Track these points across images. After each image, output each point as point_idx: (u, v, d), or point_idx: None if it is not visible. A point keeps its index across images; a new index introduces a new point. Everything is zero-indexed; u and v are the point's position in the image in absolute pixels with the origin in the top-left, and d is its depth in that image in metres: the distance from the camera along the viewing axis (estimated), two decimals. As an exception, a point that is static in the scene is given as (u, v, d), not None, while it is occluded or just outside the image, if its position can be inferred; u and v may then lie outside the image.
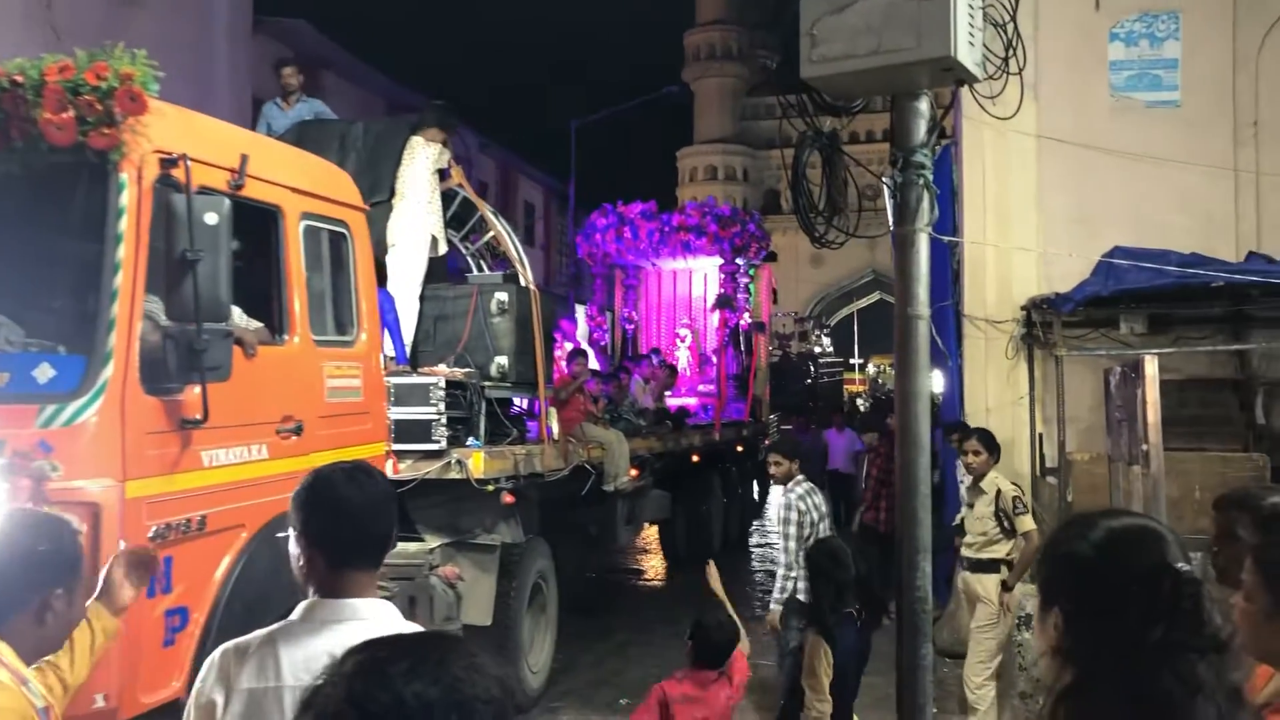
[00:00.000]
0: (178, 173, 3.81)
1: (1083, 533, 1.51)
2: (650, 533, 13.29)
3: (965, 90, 4.32)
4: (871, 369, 53.52)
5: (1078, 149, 8.84)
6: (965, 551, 6.24)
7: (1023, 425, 8.84)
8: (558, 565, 7.75)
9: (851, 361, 47.73)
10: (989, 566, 6.10)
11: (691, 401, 14.04)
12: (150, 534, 3.70)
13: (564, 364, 8.91)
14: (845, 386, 40.40)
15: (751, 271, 14.62)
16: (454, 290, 7.33)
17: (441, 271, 7.59)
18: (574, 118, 27.59)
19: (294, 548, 2.02)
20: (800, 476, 6.32)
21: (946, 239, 8.23)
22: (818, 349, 34.97)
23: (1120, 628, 1.42)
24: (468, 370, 6.71)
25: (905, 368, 4.41)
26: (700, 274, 15.17)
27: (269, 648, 1.91)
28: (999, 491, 6.08)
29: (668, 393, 12.93)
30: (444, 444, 6.10)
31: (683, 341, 14.87)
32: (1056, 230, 8.94)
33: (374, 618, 1.94)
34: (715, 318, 14.12)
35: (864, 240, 4.84)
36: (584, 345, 11.72)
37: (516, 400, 7.96)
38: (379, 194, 6.83)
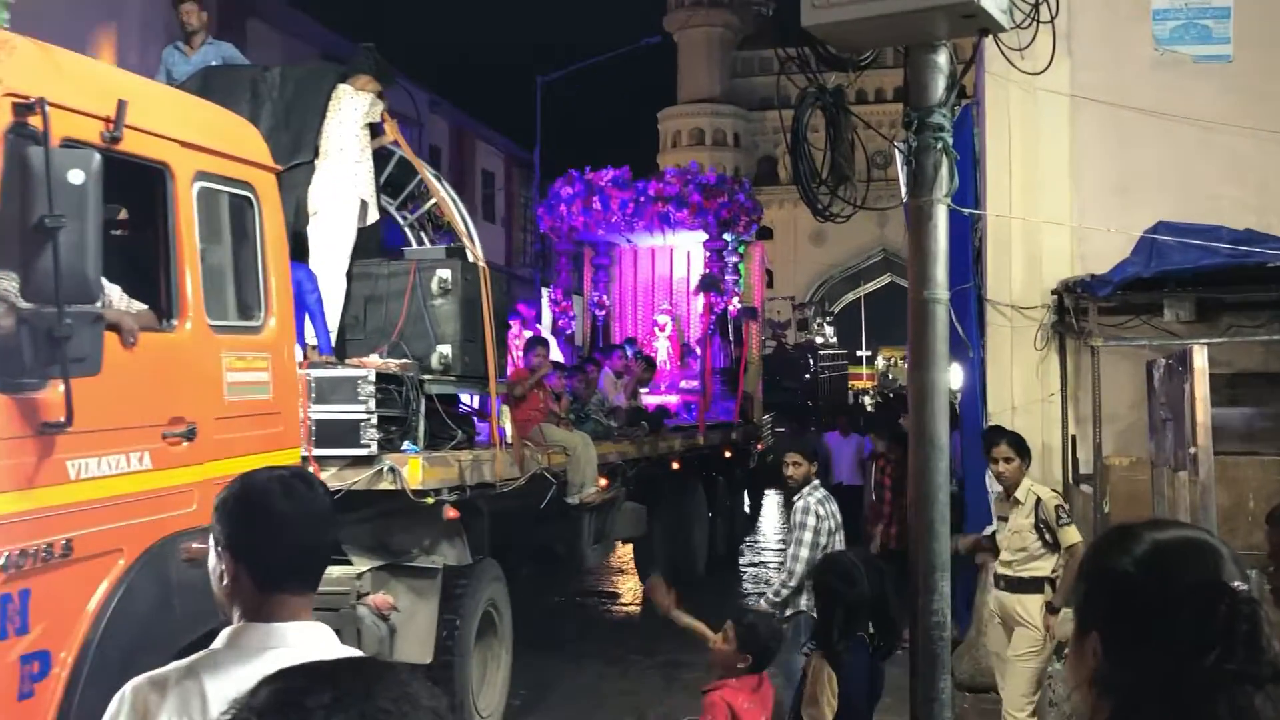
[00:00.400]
0: (35, 121, 3.58)
1: (1125, 546, 1.51)
2: (625, 552, 13.20)
3: (989, 41, 4.42)
4: (881, 362, 53.88)
5: (1116, 110, 8.84)
6: (1001, 569, 6.29)
7: (1054, 426, 8.84)
8: (514, 591, 7.68)
9: (858, 354, 48.06)
10: (1030, 586, 6.15)
11: (672, 400, 14.07)
12: None
13: (520, 355, 8.75)
14: (850, 382, 40.74)
15: (741, 249, 14.60)
16: (388, 267, 7.20)
17: (374, 245, 7.46)
18: (540, 73, 27.37)
19: (215, 562, 2.02)
20: (817, 481, 6.58)
21: (967, 211, 7.90)
22: (819, 339, 35.07)
23: (1167, 655, 1.42)
24: (404, 361, 6.58)
25: (921, 360, 4.45)
26: (682, 252, 15.16)
27: (191, 680, 1.91)
28: (1039, 500, 6.13)
29: (644, 389, 12.90)
30: (374, 448, 5.99)
31: (662, 330, 14.88)
32: (1092, 202, 8.96)
33: (307, 644, 1.93)
34: (699, 302, 14.03)
35: (873, 214, 4.92)
36: (545, 333, 11.55)
37: (464, 398, 7.79)
38: (300, 153, 6.77)
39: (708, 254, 14.25)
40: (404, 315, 6.91)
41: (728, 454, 13.75)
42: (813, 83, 4.66)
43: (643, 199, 13.57)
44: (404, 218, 7.94)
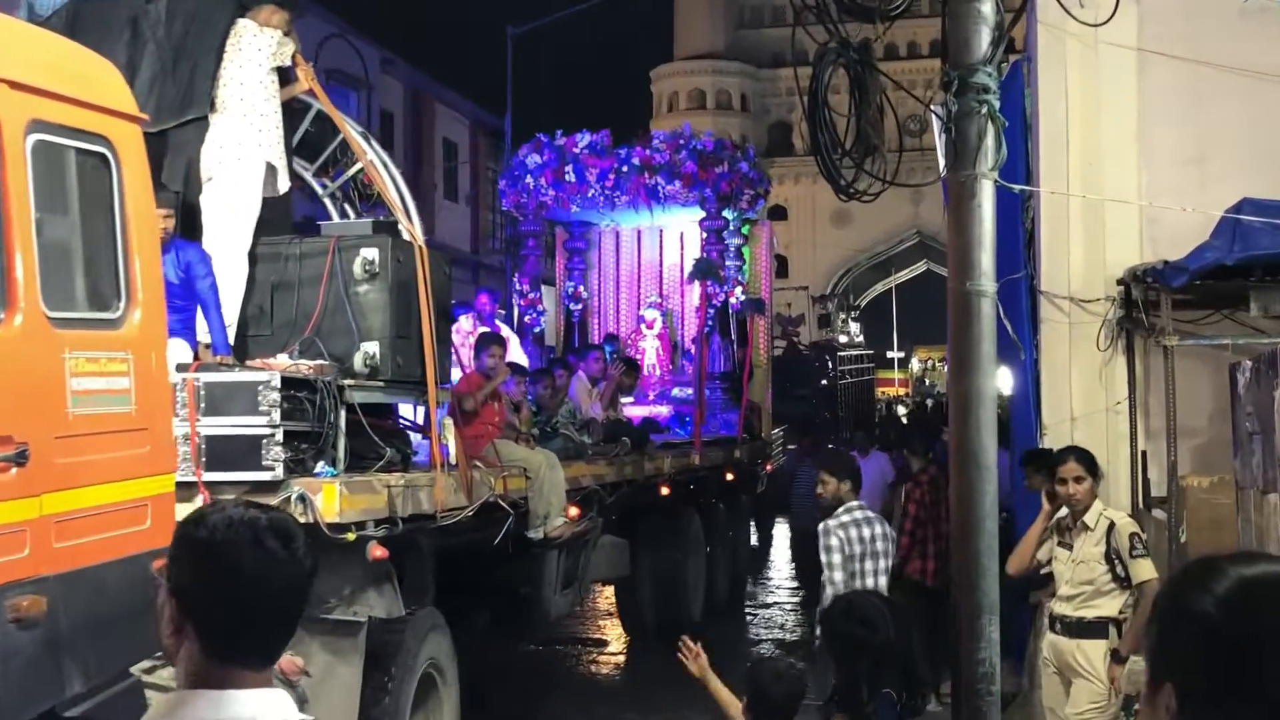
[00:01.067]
0: None
1: (1205, 583, 1.54)
2: (611, 591, 13.01)
3: (1043, -14, 4.90)
4: (916, 365, 54.01)
5: (1193, 67, 8.86)
6: (1058, 609, 6.31)
7: (1120, 440, 8.86)
8: (473, 642, 7.61)
9: (888, 355, 48.11)
10: (1092, 629, 6.16)
11: (662, 410, 13.88)
12: None
13: (465, 354, 8.39)
14: (879, 389, 40.58)
15: (745, 229, 14.34)
16: (300, 245, 6.90)
17: (284, 220, 7.21)
18: (511, 24, 27.31)
19: (163, 599, 2.00)
20: (855, 503, 6.86)
21: (1017, 188, 8.21)
22: (842, 338, 34.90)
23: (1254, 710, 1.46)
24: (319, 363, 6.32)
25: (963, 363, 4.60)
26: (674, 233, 14.93)
27: None
28: (1111, 526, 6.15)
29: (627, 398, 12.73)
30: (280, 471, 5.77)
31: (650, 328, 14.63)
32: (1164, 177, 9.01)
33: (266, 717, 1.94)
34: (694, 293, 13.72)
35: (906, 190, 5.10)
36: (504, 329, 11.26)
37: (406, 409, 7.61)
38: (192, 107, 6.55)
39: (704, 235, 13.97)
40: (320, 305, 6.61)
41: (729, 476, 13.50)
42: (834, 35, 4.75)
43: (625, 169, 13.26)
44: (323, 186, 7.65)
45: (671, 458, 11.52)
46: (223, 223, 6.57)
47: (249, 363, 6.25)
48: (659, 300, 14.91)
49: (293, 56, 6.85)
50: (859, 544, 6.68)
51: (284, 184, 6.88)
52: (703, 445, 12.28)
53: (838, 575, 6.57)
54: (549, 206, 13.96)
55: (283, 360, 6.27)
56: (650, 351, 14.51)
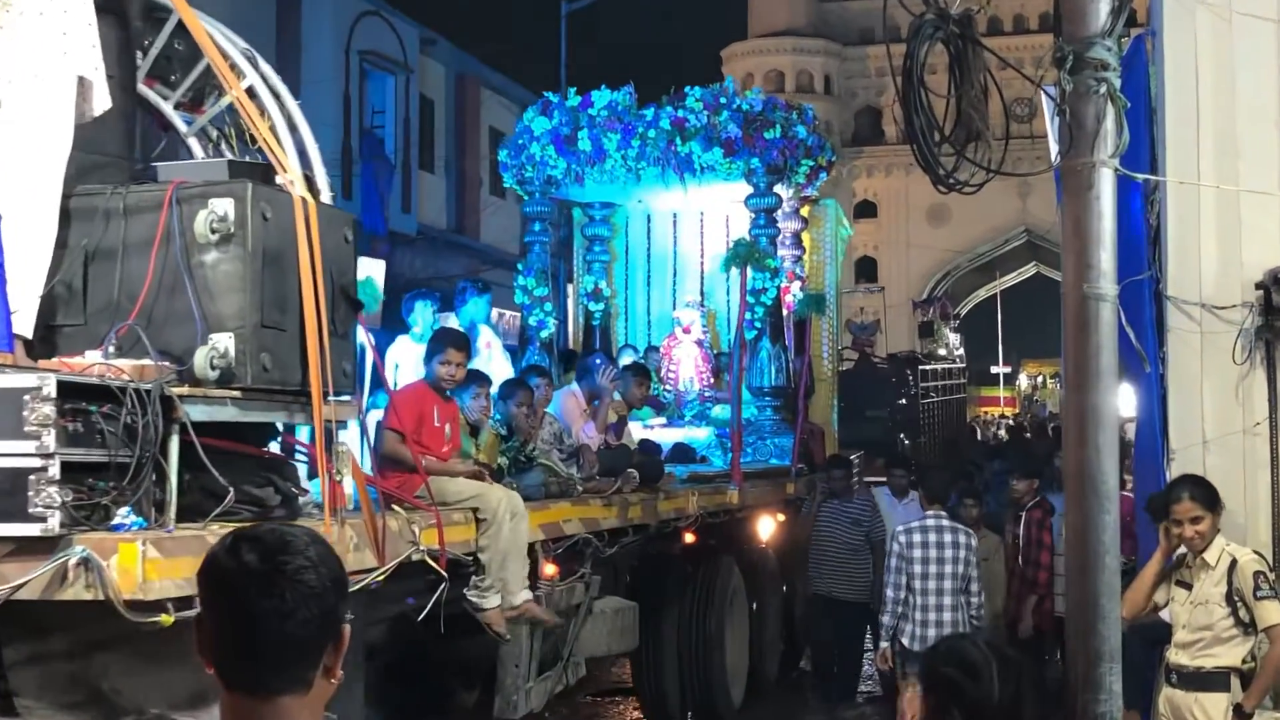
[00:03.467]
0: None
1: None
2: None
3: (1169, -51, 4.35)
4: (1024, 381, 53.75)
5: None
6: (1174, 658, 6.39)
7: (1259, 467, 8.64)
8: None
9: (993, 370, 47.49)
10: (1213, 681, 6.22)
11: (700, 434, 12.65)
12: None
13: (375, 357, 6.93)
14: (980, 408, 39.62)
15: (805, 211, 13.14)
16: (127, 198, 5.50)
17: (120, 165, 5.81)
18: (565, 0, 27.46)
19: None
20: (931, 511, 8.40)
21: (1141, 177, 8.15)
22: (941, 350, 33.92)
23: None
24: (143, 363, 5.05)
25: (1080, 376, 4.72)
26: (717, 216, 13.81)
27: None
28: (1234, 564, 6.24)
29: (658, 419, 12.08)
30: (54, 523, 4.55)
31: (687, 333, 13.35)
32: None
33: None
34: (732, 282, 12.62)
35: (1013, 182, 5.05)
36: (487, 331, 9.91)
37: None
38: None
39: (753, 217, 12.52)
40: (149, 282, 5.27)
41: (780, 516, 12.07)
42: (931, 7, 4.83)
43: (652, 133, 11.82)
44: (188, 122, 6.18)
45: (699, 494, 10.07)
46: (16, 166, 5.23)
47: (42, 364, 4.94)
48: (698, 299, 13.79)
49: None
50: (920, 549, 8.20)
51: (100, 104, 5.48)
52: (744, 477, 10.82)
53: (889, 591, 8.39)
54: (559, 182, 12.60)
55: (91, 359, 4.99)
56: (687, 362, 13.22)
